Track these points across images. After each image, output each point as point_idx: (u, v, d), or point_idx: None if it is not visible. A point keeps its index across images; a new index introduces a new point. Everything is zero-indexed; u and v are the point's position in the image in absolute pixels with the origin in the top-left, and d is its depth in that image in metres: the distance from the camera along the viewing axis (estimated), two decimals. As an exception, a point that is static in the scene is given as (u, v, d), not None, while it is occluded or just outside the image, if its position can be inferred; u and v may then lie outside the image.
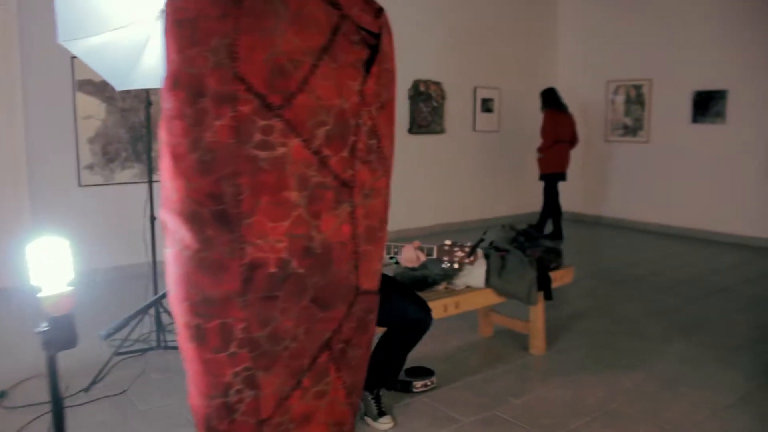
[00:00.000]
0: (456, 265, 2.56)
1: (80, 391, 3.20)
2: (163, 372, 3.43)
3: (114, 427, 2.87)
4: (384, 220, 1.40)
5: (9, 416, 2.95)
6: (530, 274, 3.30)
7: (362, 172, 1.27)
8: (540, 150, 7.13)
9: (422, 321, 2.60)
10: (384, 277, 2.77)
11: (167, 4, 1.15)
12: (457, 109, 7.81)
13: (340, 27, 1.21)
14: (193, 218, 1.04)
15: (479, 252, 3.39)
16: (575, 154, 8.56)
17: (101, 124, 5.46)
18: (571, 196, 8.60)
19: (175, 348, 3.61)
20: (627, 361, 3.49)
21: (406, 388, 3.09)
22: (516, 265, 3.33)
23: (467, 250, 2.55)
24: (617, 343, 3.79)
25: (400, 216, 7.40)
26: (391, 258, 2.61)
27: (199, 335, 1.10)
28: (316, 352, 1.22)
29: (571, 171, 8.23)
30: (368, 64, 1.29)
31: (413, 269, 3.25)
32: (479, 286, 3.27)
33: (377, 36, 1.28)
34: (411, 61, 7.32)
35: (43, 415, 2.94)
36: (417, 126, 7.45)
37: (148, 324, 3.84)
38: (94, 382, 3.26)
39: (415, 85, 7.36)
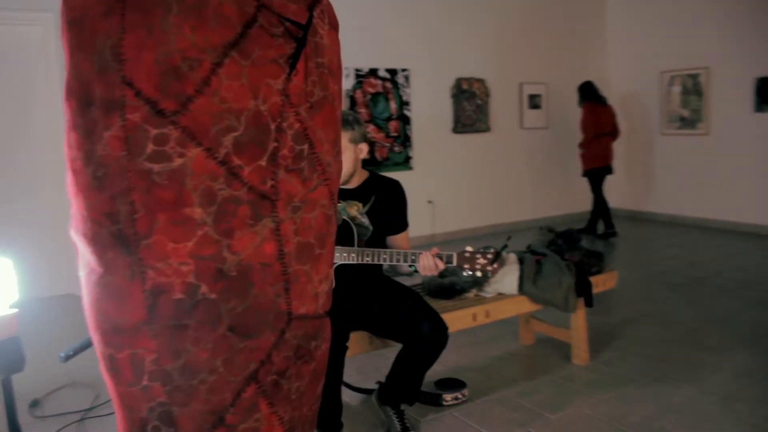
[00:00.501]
0: (479, 273, 2.39)
1: (109, 401, 3.18)
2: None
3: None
4: (325, 235, 1.22)
5: (40, 425, 2.95)
6: (567, 280, 3.08)
7: (289, 182, 1.10)
8: (581, 145, 6.88)
9: (435, 339, 2.45)
10: (397, 288, 2.63)
11: (61, 2, 1.03)
12: (502, 106, 7.57)
13: (257, 19, 1.05)
14: (95, 239, 0.93)
15: (512, 257, 3.19)
16: (629, 149, 8.17)
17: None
18: (622, 192, 8.22)
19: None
20: (679, 374, 3.21)
21: (435, 401, 2.93)
22: (552, 271, 3.12)
23: (490, 256, 2.38)
24: (669, 354, 3.51)
25: (447, 218, 7.21)
26: (410, 266, 2.46)
27: (113, 366, 0.99)
28: (240, 386, 1.07)
29: (623, 166, 7.85)
30: (294, 60, 1.12)
31: (441, 276, 3.09)
32: (512, 293, 3.08)
33: (305, 27, 1.11)
34: (452, 58, 7.13)
35: (71, 424, 2.93)
36: (461, 125, 7.25)
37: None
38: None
39: (458, 83, 7.16)
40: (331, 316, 2.39)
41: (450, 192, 7.29)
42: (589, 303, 3.24)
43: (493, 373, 3.31)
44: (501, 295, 3.08)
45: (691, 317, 4.15)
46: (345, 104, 6.50)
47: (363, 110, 6.62)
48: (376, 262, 2.42)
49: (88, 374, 3.49)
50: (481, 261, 2.37)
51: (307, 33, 1.12)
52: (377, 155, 6.74)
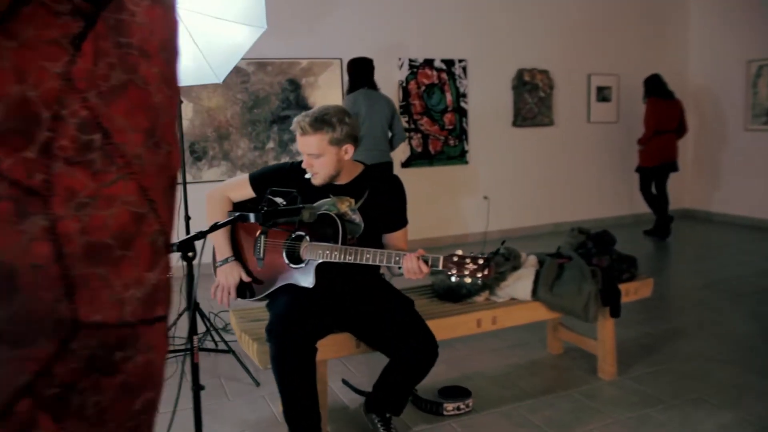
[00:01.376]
0: (468, 280, 2.20)
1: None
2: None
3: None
4: (132, 236, 1.07)
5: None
6: (589, 287, 2.82)
7: (70, 176, 0.96)
8: (640, 141, 6.51)
9: (422, 358, 2.28)
10: (388, 294, 2.47)
11: None
12: (567, 99, 7.19)
13: None
14: None
15: (531, 259, 2.96)
16: (701, 145, 7.59)
17: (188, 124, 5.59)
18: (690, 191, 7.63)
19: (208, 350, 3.54)
20: (717, 398, 2.88)
21: (435, 410, 2.76)
22: (573, 276, 2.87)
23: (481, 262, 2.18)
24: (711, 373, 3.16)
25: (503, 215, 6.94)
26: (399, 268, 2.30)
27: None
28: (9, 399, 0.95)
29: (693, 163, 7.29)
30: (79, 40, 0.98)
31: (449, 276, 2.90)
32: (525, 299, 2.85)
33: (98, 3, 0.96)
34: (514, 48, 6.83)
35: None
36: (522, 118, 6.94)
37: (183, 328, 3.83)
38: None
39: (519, 74, 6.86)
40: (297, 314, 2.29)
41: (507, 188, 7.00)
42: (615, 313, 2.96)
43: (508, 383, 3.10)
44: (513, 301, 2.86)
45: (748, 333, 3.75)
46: (398, 95, 6.35)
47: (417, 102, 6.45)
48: (358, 261, 2.28)
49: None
50: (471, 266, 2.18)
51: (100, 10, 0.99)
52: (431, 148, 6.56)
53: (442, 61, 6.51)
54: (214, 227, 1.81)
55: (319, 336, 2.28)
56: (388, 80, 6.20)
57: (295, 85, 5.99)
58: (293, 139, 6.05)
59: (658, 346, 3.54)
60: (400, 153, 6.41)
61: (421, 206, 6.66)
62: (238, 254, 2.48)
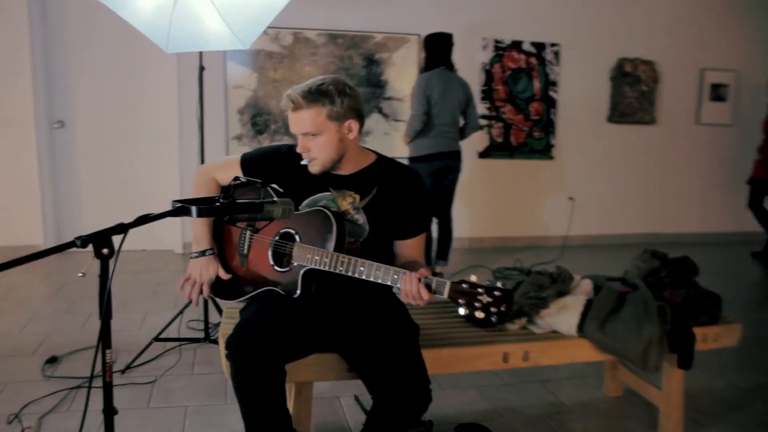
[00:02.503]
0: (479, 314, 1.73)
1: (117, 371, 2.98)
2: (205, 366, 3.08)
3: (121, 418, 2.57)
4: None
5: (43, 385, 2.82)
6: (652, 328, 2.25)
7: None
8: (760, 150, 5.64)
9: (407, 400, 1.84)
10: (386, 312, 2.04)
11: None
12: (674, 95, 6.37)
13: None
14: None
15: (585, 283, 2.43)
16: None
17: (251, 95, 5.33)
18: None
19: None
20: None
21: (446, 453, 2.31)
22: (634, 312, 2.31)
23: (497, 294, 1.71)
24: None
25: (589, 219, 6.27)
26: (398, 288, 1.86)
27: None
28: None
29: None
30: None
31: (457, 308, 2.42)
32: (570, 334, 2.33)
33: None
34: (615, 34, 6.09)
35: (66, 390, 2.76)
36: (619, 114, 6.21)
37: (197, 312, 3.54)
38: (129, 366, 3.03)
39: (620, 64, 6.12)
40: (264, 327, 1.90)
41: (596, 189, 6.32)
42: (684, 364, 2.37)
43: (543, 427, 2.59)
44: (555, 334, 2.35)
45: None
46: (479, 78, 5.81)
47: (500, 87, 5.89)
48: (350, 273, 1.86)
49: (115, 341, 3.34)
50: (484, 299, 1.71)
51: None
52: (512, 139, 5.99)
53: (532, 44, 5.89)
54: (143, 219, 1.46)
55: (290, 355, 1.89)
56: (469, 62, 5.68)
57: (367, 61, 5.59)
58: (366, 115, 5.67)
59: (744, 404, 2.89)
60: (478, 142, 5.89)
61: (495, 201, 6.12)
62: (221, 247, 2.13)
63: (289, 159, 2.04)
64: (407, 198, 2.03)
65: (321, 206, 1.98)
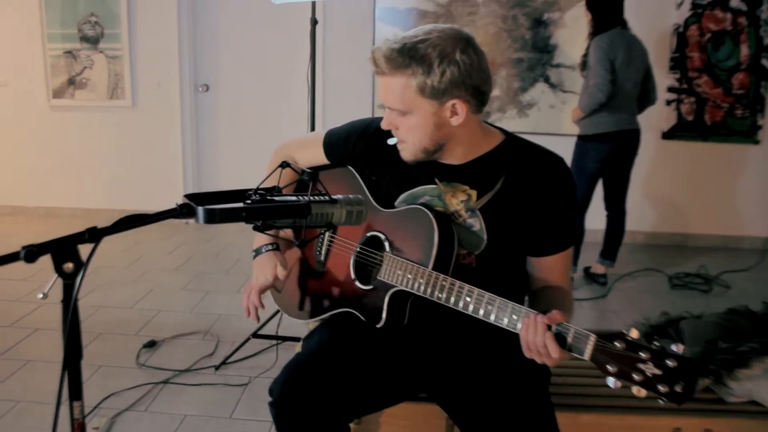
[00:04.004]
0: (640, 391, 1.09)
1: (210, 366, 2.68)
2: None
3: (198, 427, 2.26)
4: None
5: (134, 374, 2.60)
6: None
7: None
8: None
9: None
10: (505, 356, 1.44)
11: None
12: None
13: None
14: None
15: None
16: None
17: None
18: None
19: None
20: None
21: None
22: None
23: (672, 366, 1.05)
24: None
25: (713, 220, 5.07)
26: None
27: None
28: None
29: None
30: None
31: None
32: (782, 412, 1.57)
33: None
34: None
35: (151, 384, 2.50)
36: None
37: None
38: (224, 362, 2.70)
39: None
40: (324, 367, 1.39)
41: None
42: None
43: None
44: (754, 406, 1.60)
45: None
46: (669, 44, 4.83)
47: (696, 54, 4.85)
48: (451, 305, 1.30)
49: (221, 328, 3.07)
50: (649, 369, 1.06)
51: None
52: (707, 118, 4.94)
53: (743, 0, 4.77)
54: (126, 222, 0.99)
55: (363, 406, 1.38)
56: (657, 23, 4.71)
57: (534, 22, 4.84)
58: (525, 88, 4.96)
59: None
60: (663, 120, 4.93)
61: (679, 191, 5.13)
62: (302, 244, 1.63)
63: (373, 137, 1.50)
64: (547, 197, 1.40)
65: (421, 204, 1.42)
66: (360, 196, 1.20)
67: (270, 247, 1.55)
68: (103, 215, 5.04)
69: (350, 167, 1.57)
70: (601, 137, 3.69)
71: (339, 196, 1.17)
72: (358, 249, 1.49)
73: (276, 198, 1.10)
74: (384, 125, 1.38)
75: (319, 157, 1.60)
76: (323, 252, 1.58)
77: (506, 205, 1.40)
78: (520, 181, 1.40)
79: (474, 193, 1.41)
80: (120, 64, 4.92)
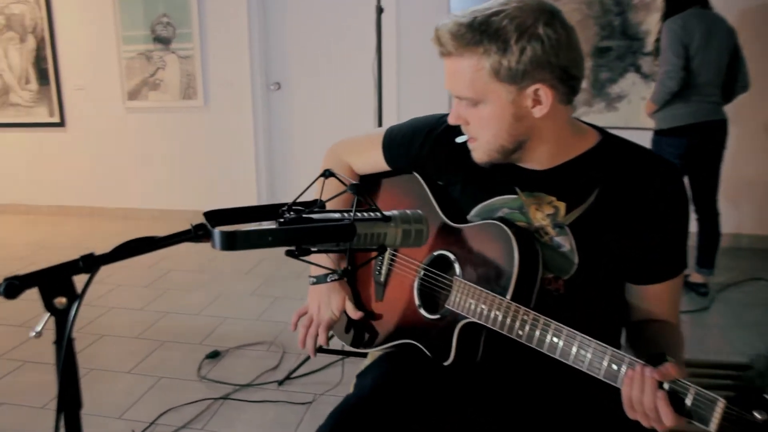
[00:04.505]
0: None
1: (273, 381, 2.53)
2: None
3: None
4: None
5: (192, 387, 2.48)
6: None
7: None
8: None
9: None
10: (585, 400, 1.17)
11: None
12: None
13: None
14: None
15: None
16: None
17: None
18: None
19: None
20: None
21: None
22: None
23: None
24: None
25: None
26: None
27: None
28: None
29: None
30: None
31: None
32: None
33: None
34: None
35: (217, 399, 2.37)
36: None
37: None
38: (288, 377, 2.54)
39: None
40: (376, 416, 1.13)
41: None
42: None
43: None
44: None
45: None
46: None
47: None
48: (532, 344, 1.05)
49: (287, 338, 2.91)
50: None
51: None
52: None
53: None
54: (125, 249, 0.80)
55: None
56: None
57: (621, 6, 4.45)
58: (614, 79, 4.58)
59: None
60: (759, 111, 4.42)
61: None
62: (354, 266, 1.43)
63: (450, 137, 1.27)
64: (655, 213, 1.12)
65: (498, 218, 1.18)
66: (420, 212, 0.97)
67: (336, 276, 1.35)
68: (179, 216, 5.04)
69: (416, 174, 1.35)
70: (677, 131, 3.31)
71: (394, 212, 0.94)
72: (423, 271, 1.27)
73: (314, 216, 0.89)
74: (451, 119, 1.15)
75: (377, 161, 1.39)
76: (383, 272, 1.37)
77: (603, 221, 1.13)
78: (620, 192, 1.13)
79: (563, 206, 1.16)
80: (192, 64, 4.88)
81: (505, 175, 1.19)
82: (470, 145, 1.17)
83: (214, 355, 2.73)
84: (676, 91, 3.19)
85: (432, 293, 1.26)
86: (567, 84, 1.08)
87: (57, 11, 5.02)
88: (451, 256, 1.22)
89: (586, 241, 1.14)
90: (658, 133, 3.40)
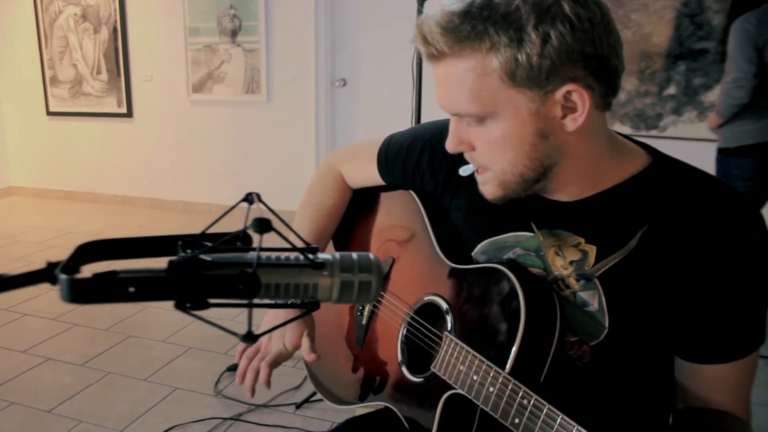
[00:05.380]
0: None
1: (291, 403, 2.32)
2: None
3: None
4: None
5: (208, 403, 2.31)
6: None
7: None
8: None
9: None
10: None
11: None
12: None
13: None
14: None
15: None
16: None
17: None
18: None
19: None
20: None
21: None
22: None
23: None
24: None
25: None
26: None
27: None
28: None
29: None
30: None
31: None
32: None
33: None
34: None
35: (227, 419, 2.19)
36: None
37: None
38: (306, 401, 2.32)
39: None
40: None
41: None
42: None
43: None
44: None
45: None
46: None
47: None
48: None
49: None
50: None
51: None
52: None
53: None
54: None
55: None
56: None
57: (723, 2, 3.96)
58: (709, 85, 4.09)
59: None
60: None
61: None
62: (257, 336, 1.18)
63: (436, 160, 1.00)
64: (720, 264, 0.80)
65: (507, 261, 0.91)
66: (371, 257, 0.70)
67: (238, 339, 1.11)
68: (236, 212, 4.94)
69: (412, 192, 1.08)
70: (746, 150, 2.83)
71: (331, 257, 0.68)
72: (410, 321, 1.00)
73: (210, 258, 0.64)
74: (450, 146, 0.86)
75: (371, 174, 1.13)
76: (366, 313, 1.11)
77: (646, 274, 0.83)
78: (673, 235, 0.82)
79: (592, 250, 0.86)
80: (257, 57, 4.77)
81: (519, 205, 0.91)
82: (479, 177, 0.88)
83: (235, 368, 2.55)
84: (747, 102, 2.73)
85: (419, 347, 0.99)
86: (605, 82, 0.78)
87: (129, 2, 5.03)
88: (444, 305, 0.95)
89: (621, 300, 0.84)
90: (724, 152, 2.94)
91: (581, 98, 0.77)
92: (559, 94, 0.76)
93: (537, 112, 0.78)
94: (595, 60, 0.76)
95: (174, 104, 5.08)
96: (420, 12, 2.20)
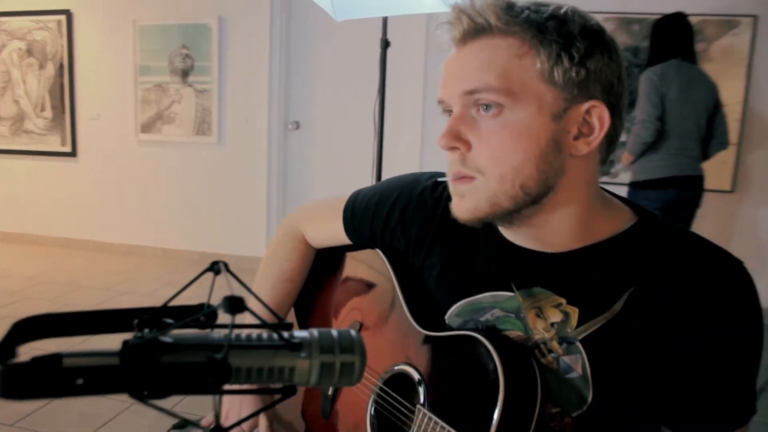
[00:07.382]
0: None
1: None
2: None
3: None
4: None
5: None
6: None
7: None
8: None
9: None
10: None
11: None
12: None
13: None
14: None
15: None
16: None
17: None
18: None
19: None
20: None
21: None
22: None
23: None
24: None
25: None
26: None
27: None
28: None
29: None
30: None
31: None
32: None
33: None
34: None
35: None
36: None
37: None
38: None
39: None
40: None
41: None
42: None
43: None
44: None
45: None
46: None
47: None
48: None
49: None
50: None
51: None
52: None
53: None
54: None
55: None
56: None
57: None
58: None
59: None
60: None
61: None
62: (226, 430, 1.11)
63: (424, 200, 0.96)
64: (710, 332, 0.77)
65: (483, 327, 0.86)
66: (353, 333, 0.64)
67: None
68: (184, 257, 4.78)
69: (379, 251, 1.03)
70: (655, 183, 3.14)
71: (308, 335, 0.62)
72: (378, 392, 0.94)
73: (174, 340, 0.57)
74: (444, 140, 0.78)
75: (336, 233, 1.07)
76: (331, 387, 1.04)
77: (632, 340, 0.79)
78: (660, 300, 0.78)
79: (574, 312, 0.82)
80: (208, 98, 4.69)
81: (496, 261, 0.86)
82: (458, 188, 0.80)
83: (182, 426, 2.41)
84: (651, 141, 3.08)
85: (390, 420, 0.93)
86: (614, 124, 0.77)
87: (78, 38, 4.90)
88: (416, 375, 0.89)
89: (606, 366, 0.80)
90: (634, 186, 3.25)
91: (601, 119, 0.75)
92: (583, 108, 0.75)
93: (557, 117, 0.75)
94: (615, 97, 0.76)
95: (121, 144, 4.93)
96: (384, 56, 2.18)
